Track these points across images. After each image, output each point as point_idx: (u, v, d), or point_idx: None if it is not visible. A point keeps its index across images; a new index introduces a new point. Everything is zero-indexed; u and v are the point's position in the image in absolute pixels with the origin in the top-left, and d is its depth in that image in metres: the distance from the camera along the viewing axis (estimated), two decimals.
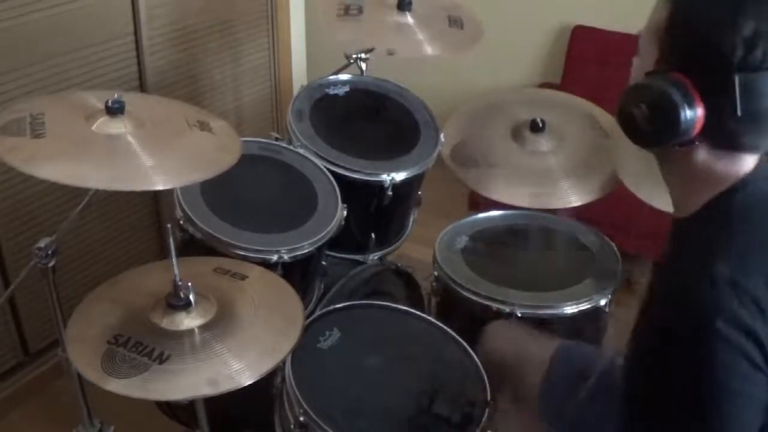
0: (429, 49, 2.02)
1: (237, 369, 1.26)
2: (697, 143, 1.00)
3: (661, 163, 1.09)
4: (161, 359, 1.25)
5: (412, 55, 1.99)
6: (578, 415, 1.11)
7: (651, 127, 0.99)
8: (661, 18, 1.01)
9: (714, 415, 0.94)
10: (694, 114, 0.96)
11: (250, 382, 1.24)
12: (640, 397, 1.01)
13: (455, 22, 2.10)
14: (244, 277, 1.50)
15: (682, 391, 0.95)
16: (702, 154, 1.01)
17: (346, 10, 2.08)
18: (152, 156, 1.28)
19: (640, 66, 1.06)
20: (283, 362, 1.39)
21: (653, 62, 1.03)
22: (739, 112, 0.96)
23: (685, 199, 1.07)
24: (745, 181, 1.02)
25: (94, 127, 1.30)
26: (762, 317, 0.93)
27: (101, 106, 1.32)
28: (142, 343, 1.28)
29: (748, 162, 1.03)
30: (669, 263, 1.04)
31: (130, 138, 1.30)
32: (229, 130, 1.47)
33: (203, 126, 1.43)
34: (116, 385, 1.21)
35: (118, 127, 1.31)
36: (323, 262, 1.91)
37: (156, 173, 1.26)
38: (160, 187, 1.25)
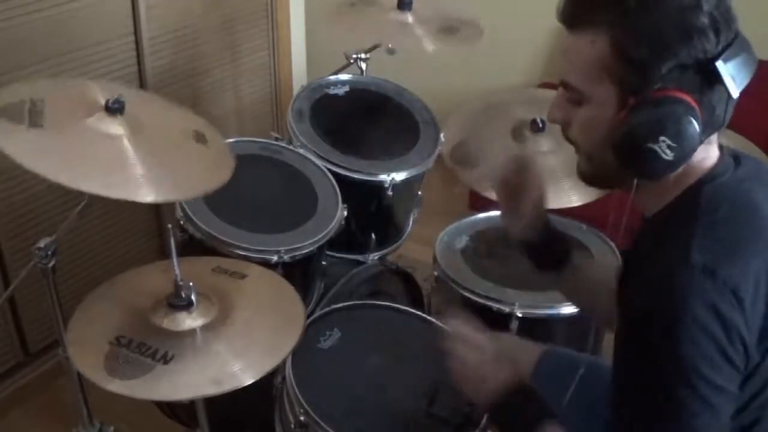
0: (428, 47, 2.03)
1: (238, 368, 1.26)
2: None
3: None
4: (165, 359, 1.25)
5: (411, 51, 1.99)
6: (564, 419, 1.11)
7: (673, 153, 0.95)
8: (599, 53, 0.99)
9: (686, 401, 0.94)
10: (699, 120, 0.95)
11: (252, 381, 1.25)
12: (624, 384, 1.02)
13: (452, 28, 2.11)
14: (244, 277, 1.50)
15: (658, 375, 0.96)
16: None
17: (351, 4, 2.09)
18: (145, 166, 1.27)
19: (596, 112, 1.02)
20: (284, 362, 1.39)
21: (614, 100, 1.00)
22: (735, 95, 0.96)
23: (658, 199, 1.06)
24: (713, 173, 1.03)
25: (92, 125, 1.29)
26: (740, 306, 0.93)
27: (102, 102, 1.30)
28: (145, 344, 1.28)
29: (713, 153, 1.04)
30: (644, 257, 1.04)
31: (126, 142, 1.29)
32: (221, 144, 1.47)
33: (199, 138, 1.43)
34: (120, 386, 1.21)
35: (116, 127, 1.30)
36: (323, 262, 1.91)
37: (147, 184, 1.24)
38: (149, 200, 1.25)
